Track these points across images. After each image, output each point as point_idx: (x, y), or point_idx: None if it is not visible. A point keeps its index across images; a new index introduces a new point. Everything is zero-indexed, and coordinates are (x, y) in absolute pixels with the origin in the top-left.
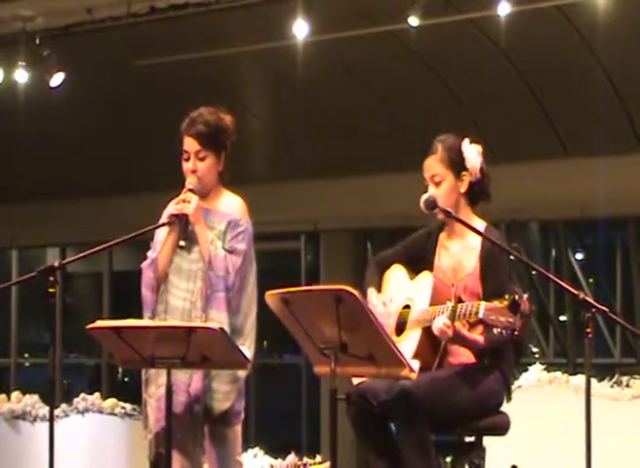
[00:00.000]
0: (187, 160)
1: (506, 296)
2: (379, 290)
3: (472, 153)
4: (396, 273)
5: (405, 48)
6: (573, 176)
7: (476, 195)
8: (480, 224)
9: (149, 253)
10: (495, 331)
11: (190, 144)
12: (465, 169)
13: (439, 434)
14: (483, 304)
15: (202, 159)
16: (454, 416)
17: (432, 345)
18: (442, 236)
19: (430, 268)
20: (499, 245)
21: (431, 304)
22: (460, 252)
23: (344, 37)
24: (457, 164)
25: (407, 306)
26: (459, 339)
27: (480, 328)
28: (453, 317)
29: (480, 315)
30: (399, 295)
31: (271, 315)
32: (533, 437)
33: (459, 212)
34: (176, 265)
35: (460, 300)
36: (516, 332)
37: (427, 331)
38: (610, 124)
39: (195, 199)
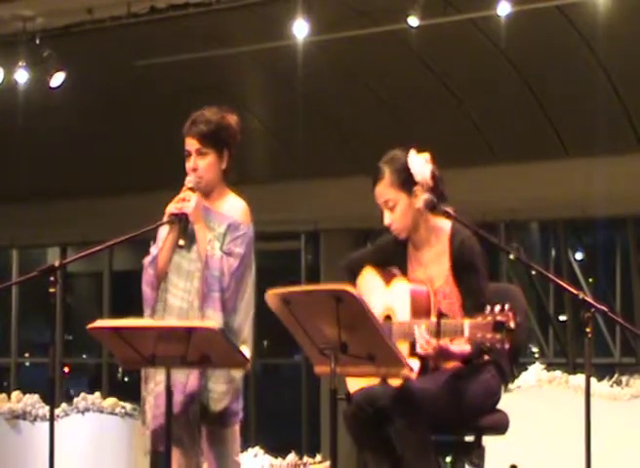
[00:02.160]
0: (189, 159)
1: (487, 309)
2: None
3: (420, 165)
4: (368, 278)
5: (405, 48)
6: (573, 176)
7: (438, 199)
8: (446, 224)
9: (152, 250)
10: (484, 347)
11: (191, 144)
12: (416, 183)
13: (438, 434)
14: (467, 322)
15: (202, 157)
16: (453, 416)
17: (421, 362)
18: (410, 248)
19: (404, 273)
20: (477, 231)
21: (413, 313)
22: (432, 260)
23: (344, 37)
24: (407, 182)
25: (388, 316)
26: (444, 356)
27: None
28: (437, 334)
29: (465, 334)
30: (376, 303)
31: (272, 315)
32: (532, 437)
33: (420, 224)
34: (175, 264)
35: (441, 314)
36: (507, 346)
37: (414, 345)
38: (610, 124)
39: (195, 198)
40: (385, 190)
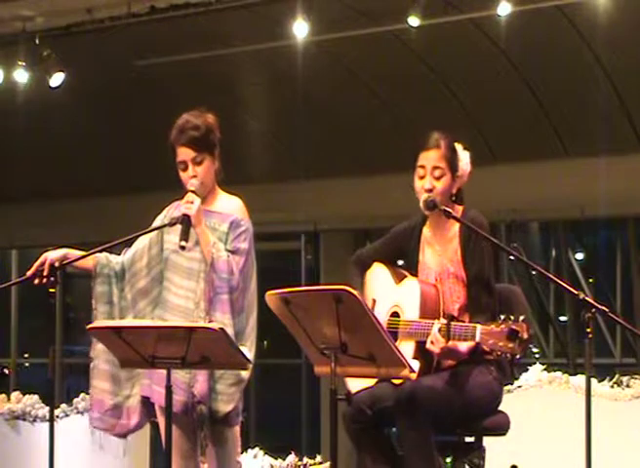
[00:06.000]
0: (185, 169)
1: (501, 317)
2: (362, 293)
3: (466, 159)
4: (378, 273)
5: (405, 48)
6: (573, 176)
7: (457, 197)
8: (460, 209)
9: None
10: (493, 354)
11: (186, 153)
12: (457, 171)
13: (439, 434)
14: (479, 328)
15: (199, 163)
16: (454, 417)
17: (427, 360)
18: (425, 231)
19: (415, 265)
20: (488, 237)
21: (421, 313)
22: (444, 244)
23: (344, 37)
24: (454, 166)
25: (395, 313)
26: (452, 355)
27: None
28: (447, 336)
29: (477, 339)
30: (385, 299)
31: (272, 315)
32: (533, 437)
33: (448, 206)
34: (173, 263)
35: (452, 318)
36: (517, 357)
37: (420, 344)
38: (610, 124)
39: (198, 200)
40: (439, 158)
